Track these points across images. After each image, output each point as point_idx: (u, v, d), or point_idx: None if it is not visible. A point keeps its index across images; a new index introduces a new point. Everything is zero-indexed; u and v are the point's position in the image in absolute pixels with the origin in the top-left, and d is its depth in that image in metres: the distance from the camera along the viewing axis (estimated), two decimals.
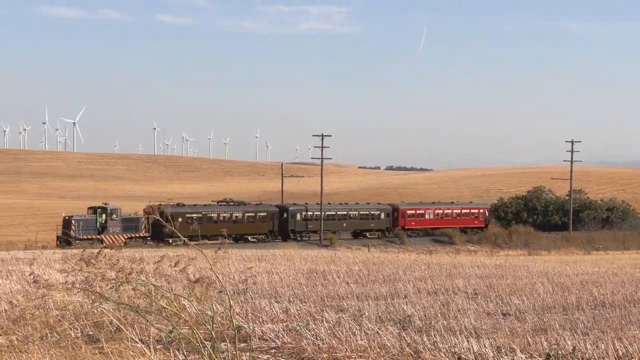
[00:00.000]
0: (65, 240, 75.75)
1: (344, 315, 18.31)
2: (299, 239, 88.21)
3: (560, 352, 14.13)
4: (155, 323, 13.34)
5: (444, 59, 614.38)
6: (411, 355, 13.98)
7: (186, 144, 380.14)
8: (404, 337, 15.05)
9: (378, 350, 14.28)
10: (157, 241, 78.50)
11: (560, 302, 23.10)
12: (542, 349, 14.71)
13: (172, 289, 14.09)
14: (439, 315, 19.35)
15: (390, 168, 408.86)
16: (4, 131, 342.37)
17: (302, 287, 26.18)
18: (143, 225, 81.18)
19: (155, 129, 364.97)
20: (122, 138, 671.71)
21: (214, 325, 12.78)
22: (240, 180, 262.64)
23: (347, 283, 28.21)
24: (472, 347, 14.31)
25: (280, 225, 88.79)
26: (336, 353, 14.20)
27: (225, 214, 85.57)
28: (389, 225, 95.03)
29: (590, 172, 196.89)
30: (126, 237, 79.26)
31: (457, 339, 14.95)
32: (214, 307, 13.37)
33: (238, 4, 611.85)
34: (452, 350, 14.27)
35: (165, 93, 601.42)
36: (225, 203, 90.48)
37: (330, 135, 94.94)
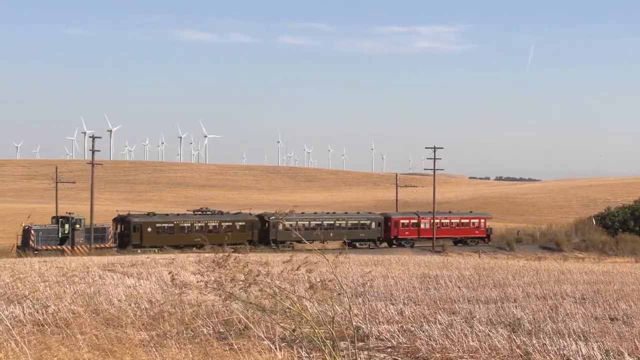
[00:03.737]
0: (23, 251, 67.41)
1: (456, 318, 18.13)
2: (281, 248, 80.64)
3: None
4: (280, 322, 13.48)
5: (550, 75, 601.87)
6: (521, 356, 13.72)
7: (307, 156, 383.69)
8: (514, 339, 14.78)
9: (489, 351, 14.07)
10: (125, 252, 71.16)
11: None
12: None
13: (295, 291, 14.22)
14: (548, 318, 18.93)
15: (499, 178, 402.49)
16: (144, 145, 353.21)
17: (416, 290, 26.05)
18: (110, 235, 75.39)
19: (278, 142, 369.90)
20: (249, 151, 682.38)
21: (334, 325, 12.84)
22: (357, 190, 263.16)
23: (459, 287, 27.91)
24: (581, 349, 13.96)
25: (260, 234, 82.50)
26: (449, 353, 14.06)
27: (199, 224, 79.33)
28: (381, 235, 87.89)
29: None
30: (90, 247, 72.84)
31: (566, 342, 14.61)
32: (334, 308, 13.43)
33: (354, 26, 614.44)
34: (561, 352, 13.94)
35: (288, 109, 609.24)
36: (201, 212, 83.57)
37: (442, 148, 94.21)
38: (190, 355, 12.79)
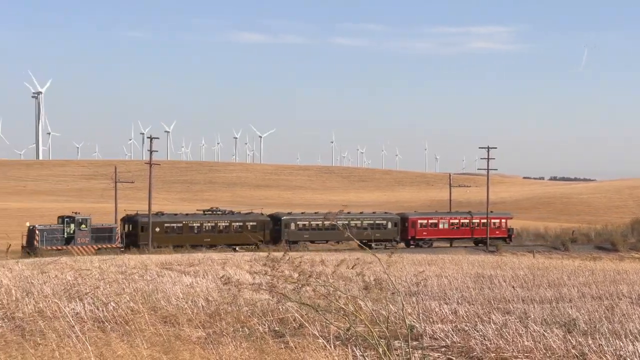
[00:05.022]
0: (28, 252, 65.23)
1: (510, 318, 17.96)
2: (294, 249, 76.98)
3: None
4: (334, 321, 13.51)
5: (605, 75, 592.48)
6: (577, 357, 13.55)
7: (360, 156, 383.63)
8: (569, 339, 14.60)
9: (544, 351, 13.92)
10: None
11: None
12: None
13: (348, 290, 14.22)
14: (604, 319, 18.63)
15: (553, 178, 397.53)
16: (201, 145, 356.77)
17: (470, 290, 25.86)
18: (117, 236, 73.39)
19: (332, 142, 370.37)
20: (303, 151, 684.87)
21: (388, 324, 12.82)
22: (411, 189, 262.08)
23: (513, 287, 27.63)
24: (638, 350, 13.74)
25: (272, 235, 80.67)
26: (503, 353, 13.95)
27: (209, 224, 78.29)
28: (397, 235, 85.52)
29: None
30: (96, 247, 70.38)
31: (622, 343, 14.38)
32: (388, 307, 13.41)
33: (405, 27, 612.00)
34: (618, 353, 13.73)
35: (341, 109, 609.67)
36: (211, 212, 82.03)
37: (495, 147, 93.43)
38: (247, 353, 12.89)
